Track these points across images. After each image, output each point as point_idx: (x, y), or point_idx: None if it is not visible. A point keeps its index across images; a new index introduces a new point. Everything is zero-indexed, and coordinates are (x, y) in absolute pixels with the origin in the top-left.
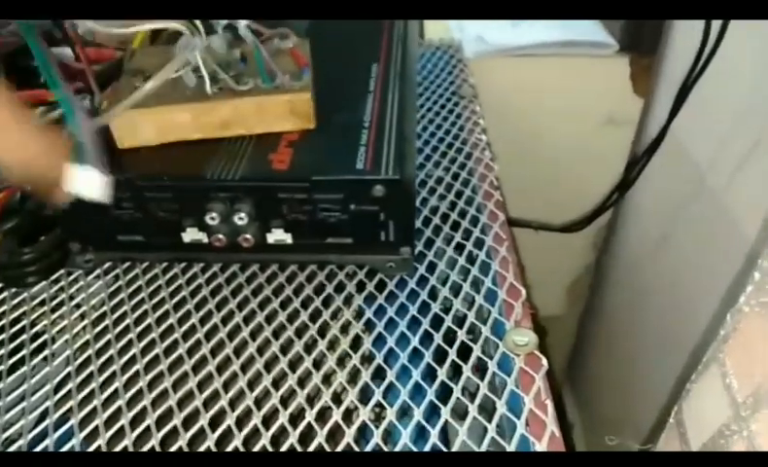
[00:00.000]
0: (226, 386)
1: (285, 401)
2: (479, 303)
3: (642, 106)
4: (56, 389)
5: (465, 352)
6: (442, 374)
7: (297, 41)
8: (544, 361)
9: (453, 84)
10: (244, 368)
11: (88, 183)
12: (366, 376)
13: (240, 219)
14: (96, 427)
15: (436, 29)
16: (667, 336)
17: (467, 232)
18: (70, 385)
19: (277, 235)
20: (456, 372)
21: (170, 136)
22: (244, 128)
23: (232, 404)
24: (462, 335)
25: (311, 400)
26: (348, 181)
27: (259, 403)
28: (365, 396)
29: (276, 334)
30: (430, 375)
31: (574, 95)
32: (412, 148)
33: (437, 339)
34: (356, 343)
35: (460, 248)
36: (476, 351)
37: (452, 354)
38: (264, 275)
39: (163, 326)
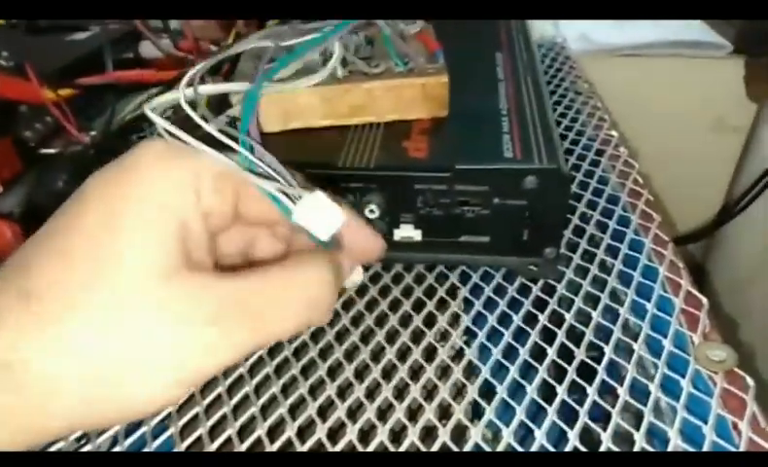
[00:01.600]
0: (371, 394)
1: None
2: (652, 312)
3: (755, 112)
4: None
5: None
6: (624, 392)
7: (424, 25)
8: (750, 380)
9: (564, 80)
10: (386, 374)
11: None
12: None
13: (371, 212)
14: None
15: (534, 27)
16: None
17: (617, 233)
18: None
19: (405, 232)
20: (638, 391)
21: (295, 123)
22: (374, 115)
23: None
24: (638, 347)
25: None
26: (497, 171)
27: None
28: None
29: (416, 339)
30: (608, 391)
31: (682, 98)
32: (558, 137)
33: (608, 350)
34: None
35: (612, 252)
36: (661, 368)
37: (631, 371)
38: (389, 275)
39: None
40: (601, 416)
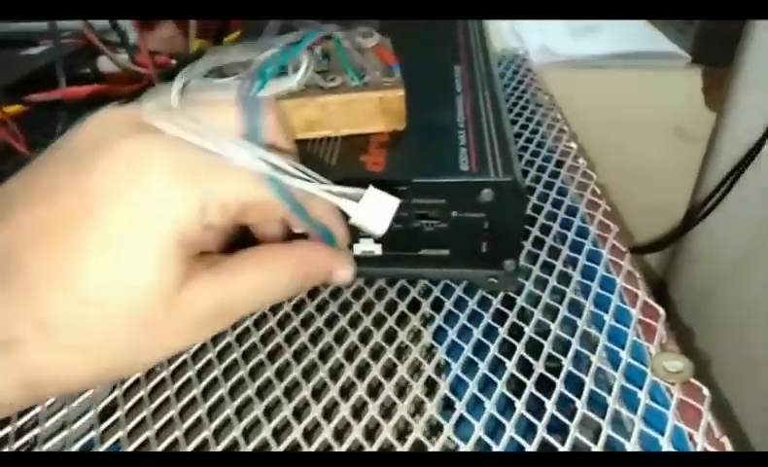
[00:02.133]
0: (327, 415)
1: (401, 434)
2: (609, 323)
3: (714, 121)
4: None
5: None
6: (582, 405)
7: (381, 38)
8: (706, 391)
9: (526, 92)
10: (344, 393)
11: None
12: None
13: None
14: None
15: (496, 39)
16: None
17: (576, 244)
18: None
19: (366, 246)
20: (596, 403)
21: None
22: (330, 129)
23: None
24: (596, 359)
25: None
26: (454, 184)
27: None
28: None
29: (376, 355)
30: (567, 404)
31: (641, 108)
32: (515, 150)
33: (566, 363)
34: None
35: (572, 263)
36: (619, 380)
37: (589, 383)
38: (350, 291)
39: (246, 344)
40: (560, 429)
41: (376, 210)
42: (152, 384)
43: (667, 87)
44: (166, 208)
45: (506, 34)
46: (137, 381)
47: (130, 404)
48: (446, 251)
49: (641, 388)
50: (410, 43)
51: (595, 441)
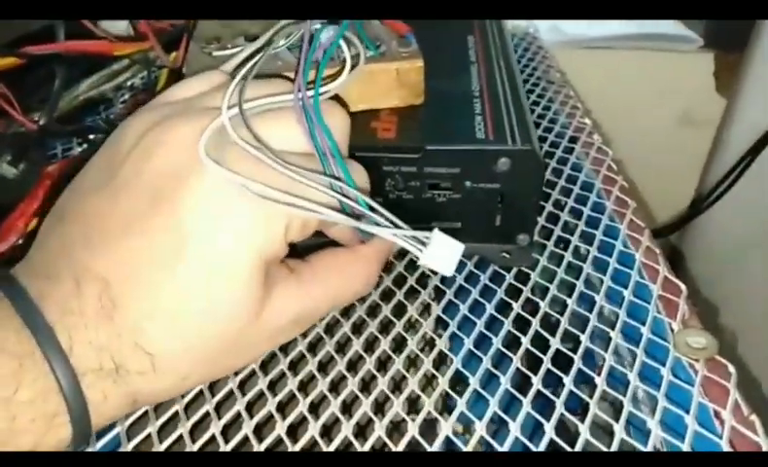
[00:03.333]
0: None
1: (381, 406)
2: (629, 299)
3: (724, 107)
4: None
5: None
6: (602, 382)
7: None
8: (731, 367)
9: (537, 70)
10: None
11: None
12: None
13: None
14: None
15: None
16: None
17: (592, 219)
18: None
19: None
20: (616, 380)
21: None
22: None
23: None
24: (615, 335)
25: (382, 406)
26: (469, 152)
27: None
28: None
29: (385, 329)
30: (585, 381)
31: (651, 92)
32: (531, 120)
33: (584, 339)
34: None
35: (587, 238)
36: (640, 356)
37: (609, 359)
38: None
39: None
40: (578, 407)
41: (442, 254)
42: None
43: (678, 70)
44: (254, 235)
45: None
46: None
47: None
48: (458, 223)
49: (663, 365)
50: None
51: (616, 419)
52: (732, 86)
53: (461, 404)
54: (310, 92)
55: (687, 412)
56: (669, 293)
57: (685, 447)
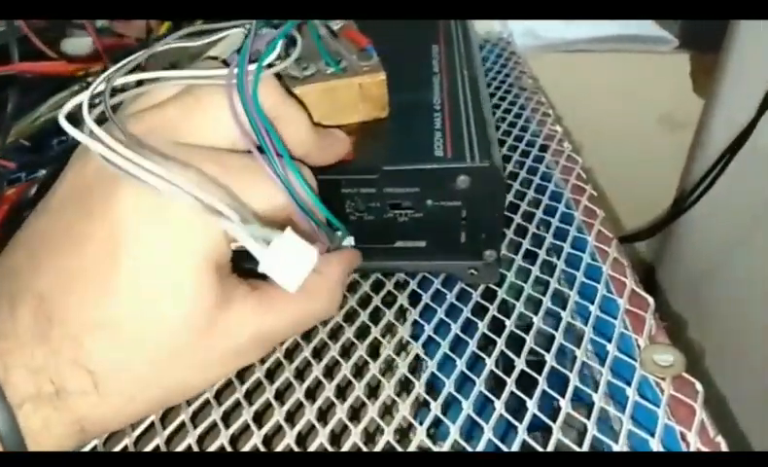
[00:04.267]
0: (290, 418)
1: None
2: (595, 314)
3: (702, 107)
4: None
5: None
6: (566, 404)
7: (345, 21)
8: (699, 385)
9: (509, 76)
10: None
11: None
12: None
13: None
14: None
15: (480, 23)
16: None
17: (560, 231)
18: None
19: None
20: (581, 401)
21: None
22: None
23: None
24: (581, 354)
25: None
26: (426, 171)
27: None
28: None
29: (346, 353)
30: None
31: (628, 94)
32: (494, 133)
33: (549, 358)
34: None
35: (556, 251)
36: (605, 375)
37: (573, 379)
38: None
39: None
40: (542, 428)
41: (289, 261)
42: None
43: (654, 71)
44: (190, 232)
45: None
46: None
47: None
48: (422, 242)
49: (629, 384)
50: (383, 22)
51: (580, 443)
52: (709, 86)
53: (421, 431)
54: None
55: (653, 434)
56: (636, 307)
57: None
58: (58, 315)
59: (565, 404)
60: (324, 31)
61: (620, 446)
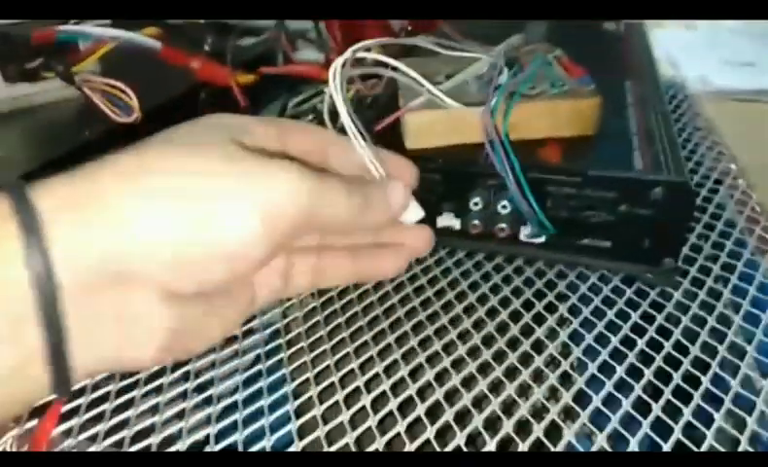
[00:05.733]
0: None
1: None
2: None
3: None
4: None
5: None
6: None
7: (559, 51)
8: None
9: (684, 115)
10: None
11: None
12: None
13: (503, 207)
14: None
15: None
16: None
17: (733, 253)
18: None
19: (530, 231)
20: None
21: (456, 138)
22: (528, 133)
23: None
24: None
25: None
26: (627, 179)
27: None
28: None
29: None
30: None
31: None
32: (683, 156)
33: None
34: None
35: (723, 281)
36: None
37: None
38: (512, 267)
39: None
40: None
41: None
42: None
43: None
44: (270, 182)
45: (662, 64)
46: None
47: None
48: (608, 243)
49: None
50: (580, 56)
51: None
52: None
53: (584, 416)
54: None
55: None
56: None
57: None
58: (112, 199)
59: (720, 417)
60: (551, 58)
61: None
